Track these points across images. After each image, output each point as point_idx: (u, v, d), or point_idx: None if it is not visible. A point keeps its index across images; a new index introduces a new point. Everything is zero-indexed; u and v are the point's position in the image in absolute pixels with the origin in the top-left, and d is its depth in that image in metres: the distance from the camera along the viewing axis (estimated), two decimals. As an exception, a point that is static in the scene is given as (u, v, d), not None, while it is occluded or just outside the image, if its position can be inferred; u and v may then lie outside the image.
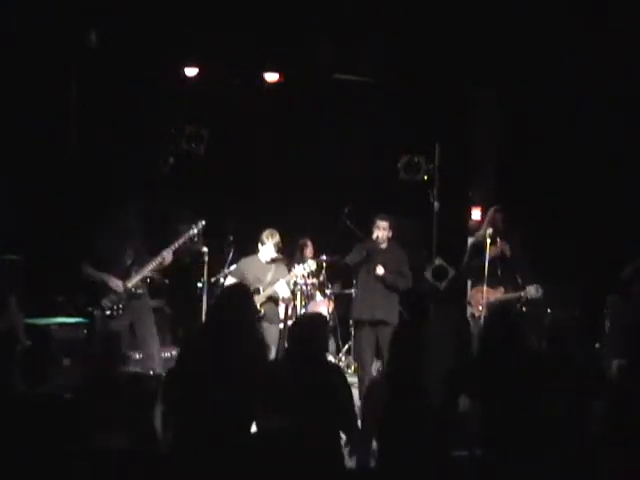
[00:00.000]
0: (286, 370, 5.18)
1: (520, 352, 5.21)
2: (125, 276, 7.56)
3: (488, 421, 5.13)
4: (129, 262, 7.62)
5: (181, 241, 7.77)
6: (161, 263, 7.65)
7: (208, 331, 5.17)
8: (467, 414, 5.43)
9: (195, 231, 7.85)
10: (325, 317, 6.13)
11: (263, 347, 5.35)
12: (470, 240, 9.07)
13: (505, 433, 5.04)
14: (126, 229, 7.63)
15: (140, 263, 7.61)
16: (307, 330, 5.28)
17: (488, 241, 8.17)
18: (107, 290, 7.51)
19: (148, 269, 7.61)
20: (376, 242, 8.22)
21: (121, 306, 7.49)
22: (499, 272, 8.30)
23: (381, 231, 8.25)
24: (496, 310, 5.76)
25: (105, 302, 7.49)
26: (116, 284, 7.49)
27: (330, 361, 7.24)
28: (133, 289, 7.54)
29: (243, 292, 5.43)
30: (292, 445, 4.48)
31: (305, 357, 5.13)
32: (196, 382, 4.85)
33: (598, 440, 5.05)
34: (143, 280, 7.64)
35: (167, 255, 7.63)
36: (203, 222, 7.89)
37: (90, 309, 8.42)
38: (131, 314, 7.56)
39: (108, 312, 7.46)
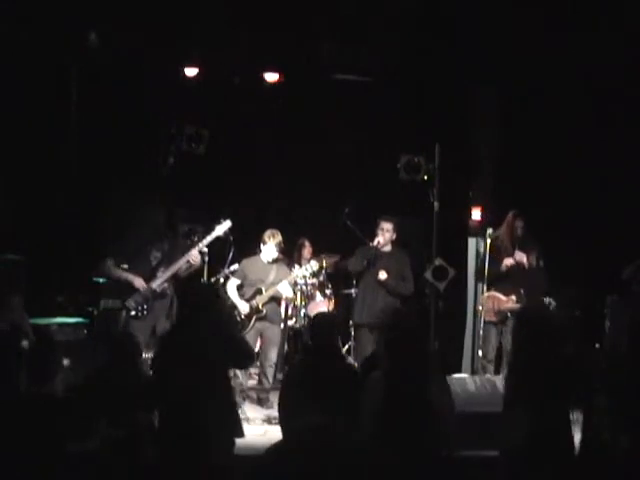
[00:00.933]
0: (308, 368, 5.29)
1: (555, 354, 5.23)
2: (150, 277, 7.52)
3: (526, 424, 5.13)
4: (155, 263, 7.58)
5: (207, 241, 7.76)
6: (190, 265, 7.61)
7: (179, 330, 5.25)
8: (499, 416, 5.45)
9: (221, 232, 7.84)
10: (334, 315, 6.25)
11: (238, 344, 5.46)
12: (477, 240, 9.06)
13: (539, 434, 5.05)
14: (152, 229, 7.60)
15: (167, 264, 7.57)
16: (326, 328, 5.47)
17: (488, 241, 8.17)
18: (132, 290, 7.48)
19: (174, 270, 7.56)
20: (378, 247, 8.25)
21: (146, 307, 7.45)
22: (514, 280, 8.24)
23: (385, 233, 8.28)
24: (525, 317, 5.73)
25: (130, 302, 7.43)
26: (140, 284, 7.45)
27: (348, 361, 7.31)
28: (157, 289, 7.50)
29: (208, 290, 5.53)
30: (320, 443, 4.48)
31: (326, 354, 5.25)
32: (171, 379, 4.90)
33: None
34: (169, 281, 7.59)
35: (194, 257, 7.58)
36: (229, 222, 7.87)
37: (90, 309, 8.44)
38: (155, 315, 7.52)
39: (133, 312, 7.43)
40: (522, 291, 8.18)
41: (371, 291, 8.30)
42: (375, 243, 8.31)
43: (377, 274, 8.25)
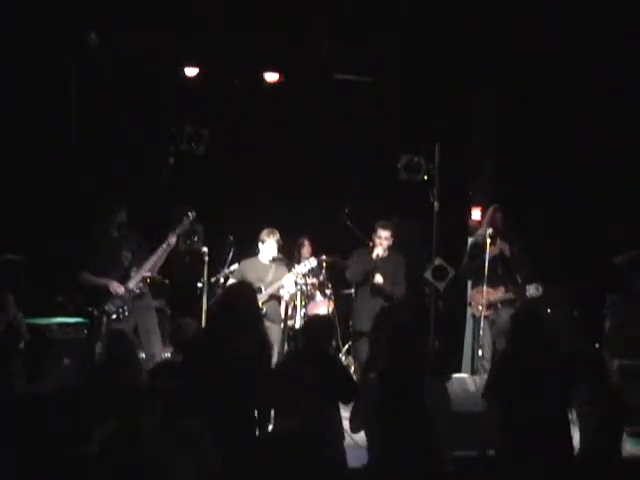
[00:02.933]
0: (296, 371, 5.29)
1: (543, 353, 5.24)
2: (124, 278, 7.54)
3: (506, 422, 5.14)
4: (127, 263, 7.60)
5: (178, 231, 7.81)
6: (169, 245, 7.65)
7: (213, 329, 5.22)
8: (482, 415, 5.46)
9: (187, 222, 7.87)
10: (332, 320, 6.25)
11: (267, 346, 5.39)
12: (470, 240, 9.09)
13: (521, 434, 5.06)
14: (119, 230, 7.62)
15: (138, 263, 7.60)
16: (318, 331, 5.47)
17: (488, 241, 8.18)
18: (109, 295, 7.49)
19: (147, 268, 7.60)
20: (377, 258, 8.25)
21: (126, 309, 7.48)
22: (499, 272, 8.32)
23: (383, 241, 8.27)
24: (521, 313, 5.75)
25: (109, 307, 7.47)
26: (116, 288, 7.47)
27: (332, 355, 7.32)
28: (135, 289, 7.53)
29: (249, 290, 5.48)
30: (301, 446, 4.51)
31: (315, 357, 5.26)
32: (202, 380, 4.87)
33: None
34: (143, 280, 7.63)
35: (172, 238, 7.64)
36: (193, 212, 7.91)
37: (90, 309, 8.43)
38: (135, 315, 7.54)
39: (114, 316, 7.45)
40: (509, 284, 8.24)
41: (370, 299, 8.29)
42: (374, 256, 8.28)
43: (373, 278, 8.25)
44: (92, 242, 7.67)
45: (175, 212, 8.56)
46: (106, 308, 7.46)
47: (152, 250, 7.68)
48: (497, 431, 5.20)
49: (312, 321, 6.20)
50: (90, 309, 8.46)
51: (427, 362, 5.25)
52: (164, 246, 7.64)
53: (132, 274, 7.57)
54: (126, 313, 7.47)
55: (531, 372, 5.13)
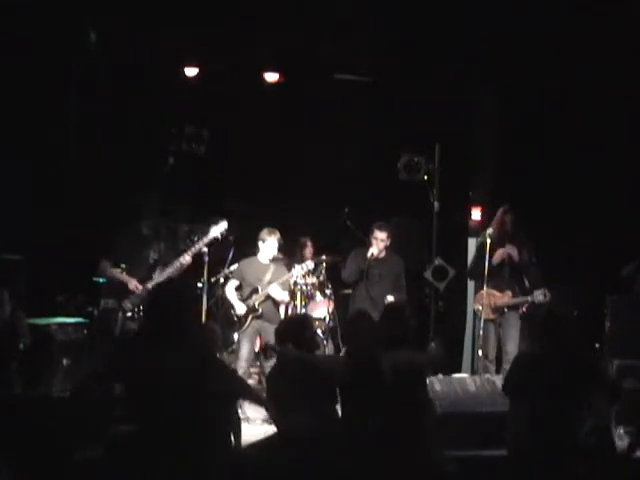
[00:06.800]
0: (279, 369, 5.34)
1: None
2: (146, 277, 7.54)
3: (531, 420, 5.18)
4: (151, 263, 7.60)
5: (203, 243, 7.79)
6: (182, 265, 7.64)
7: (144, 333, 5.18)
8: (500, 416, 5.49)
9: (217, 233, 7.86)
10: (308, 316, 6.30)
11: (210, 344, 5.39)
12: (476, 240, 9.06)
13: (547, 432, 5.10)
14: (151, 229, 7.63)
15: (164, 265, 7.60)
16: (286, 332, 5.52)
17: (488, 241, 8.16)
18: (127, 291, 7.49)
19: (170, 271, 7.59)
20: (372, 257, 8.23)
21: (142, 308, 7.47)
22: (506, 275, 8.27)
23: (379, 243, 8.26)
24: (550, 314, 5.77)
25: (126, 304, 7.47)
26: (135, 286, 7.47)
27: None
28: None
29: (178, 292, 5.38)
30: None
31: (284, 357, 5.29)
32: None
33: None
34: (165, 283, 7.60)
35: (187, 258, 7.63)
36: (225, 223, 7.89)
37: (90, 309, 8.43)
38: None
39: (129, 314, 7.45)
40: (516, 288, 8.22)
41: (366, 300, 8.25)
42: (369, 255, 8.26)
43: (372, 284, 8.22)
44: (122, 237, 7.67)
45: (181, 217, 8.57)
46: (123, 304, 7.47)
47: (178, 253, 7.67)
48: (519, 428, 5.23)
49: (281, 323, 6.29)
50: (90, 309, 8.47)
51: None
52: (178, 264, 7.61)
53: (154, 275, 7.56)
54: (141, 312, 7.47)
55: (555, 372, 5.18)
